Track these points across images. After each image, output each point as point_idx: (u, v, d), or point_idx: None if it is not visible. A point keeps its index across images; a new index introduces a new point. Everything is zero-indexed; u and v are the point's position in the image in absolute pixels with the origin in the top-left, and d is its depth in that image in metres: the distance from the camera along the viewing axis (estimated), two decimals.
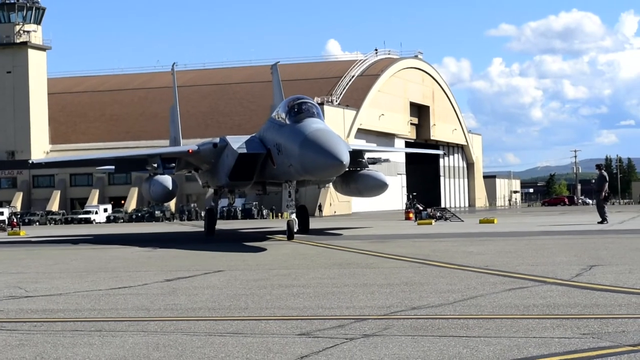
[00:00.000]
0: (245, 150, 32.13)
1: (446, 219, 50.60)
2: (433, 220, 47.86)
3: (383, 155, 43.78)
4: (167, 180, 34.96)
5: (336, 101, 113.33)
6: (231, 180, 33.43)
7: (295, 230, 29.66)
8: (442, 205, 56.53)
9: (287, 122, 28.90)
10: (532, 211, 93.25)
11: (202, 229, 41.89)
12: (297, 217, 31.62)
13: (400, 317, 10.75)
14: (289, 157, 28.44)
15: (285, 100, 30.57)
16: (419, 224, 46.01)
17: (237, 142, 32.79)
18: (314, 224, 54.35)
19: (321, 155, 26.46)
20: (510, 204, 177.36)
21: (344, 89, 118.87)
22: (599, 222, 37.34)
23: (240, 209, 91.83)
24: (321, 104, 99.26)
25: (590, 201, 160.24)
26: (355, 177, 35.93)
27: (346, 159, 26.27)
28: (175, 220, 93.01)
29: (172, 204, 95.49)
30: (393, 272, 16.97)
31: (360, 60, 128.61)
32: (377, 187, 36.74)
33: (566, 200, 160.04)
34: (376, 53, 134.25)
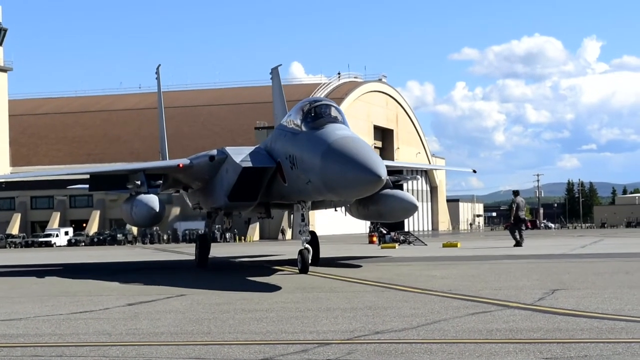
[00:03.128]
0: (250, 164, 25.86)
1: (409, 242, 50.66)
2: (396, 244, 47.92)
3: (408, 175, 36.42)
4: (153, 200, 27.94)
5: None
6: (231, 200, 27.00)
7: (309, 261, 24.00)
8: (406, 229, 56.51)
9: (303, 129, 23.02)
10: (494, 235, 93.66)
11: (179, 254, 41.55)
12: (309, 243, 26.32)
13: (364, 341, 10.72)
14: (307, 171, 22.43)
15: (299, 103, 24.45)
16: (382, 247, 46.03)
17: (240, 155, 26.57)
18: (275, 247, 54.28)
19: (351, 169, 20.55)
20: (472, 228, 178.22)
21: None
22: (514, 246, 41.31)
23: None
24: None
25: (553, 225, 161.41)
26: (377, 198, 28.05)
27: (384, 173, 20.52)
28: (137, 244, 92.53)
29: (134, 227, 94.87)
30: (357, 296, 16.94)
31: (324, 84, 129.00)
32: (404, 210, 30.22)
33: (529, 224, 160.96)
34: (339, 77, 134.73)
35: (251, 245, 70.02)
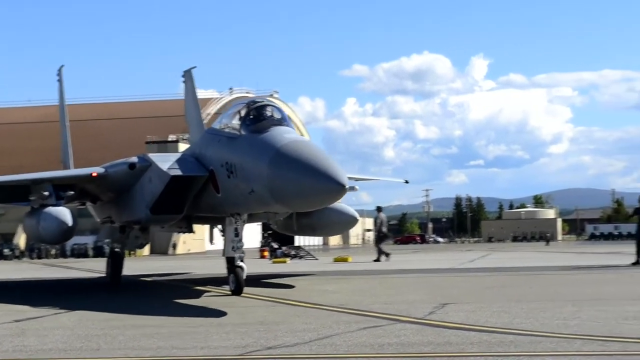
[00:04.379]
0: (179, 172, 22.68)
1: (301, 257, 50.75)
2: (288, 259, 47.98)
3: (357, 184, 34.20)
4: (64, 213, 24.27)
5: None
6: (154, 213, 23.71)
7: (244, 280, 21.43)
8: (297, 244, 56.59)
9: (242, 132, 20.43)
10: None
11: (77, 271, 40.62)
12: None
13: (256, 356, 10.69)
14: (249, 180, 19.62)
15: (235, 105, 22.27)
16: (274, 262, 46.02)
17: (166, 162, 23.36)
18: (164, 262, 53.81)
19: (308, 177, 17.91)
20: (363, 242, 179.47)
21: None
22: (374, 260, 42.57)
23: (91, 247, 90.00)
24: (176, 141, 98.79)
25: (441, 239, 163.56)
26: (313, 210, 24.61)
27: (346, 181, 18.05)
28: (24, 259, 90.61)
29: (21, 241, 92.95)
30: (248, 311, 16.88)
31: (216, 98, 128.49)
32: (345, 223, 28.19)
33: (418, 238, 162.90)
34: (231, 92, 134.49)
35: (143, 260, 69.21)
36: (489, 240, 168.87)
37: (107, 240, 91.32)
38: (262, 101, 21.25)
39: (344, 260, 45.78)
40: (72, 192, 25.91)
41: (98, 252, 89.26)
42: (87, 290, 27.02)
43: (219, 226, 26.99)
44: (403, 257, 51.15)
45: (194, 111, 29.78)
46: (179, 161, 23.26)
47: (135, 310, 17.64)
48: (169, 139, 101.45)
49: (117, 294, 23.47)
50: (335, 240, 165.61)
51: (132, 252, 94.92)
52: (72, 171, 29.43)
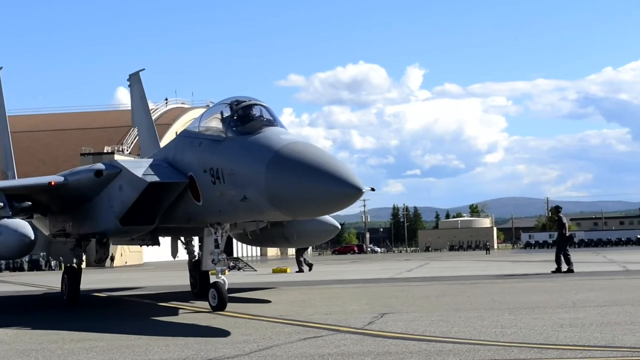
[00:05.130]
0: (156, 178, 20.63)
1: (239, 268, 50.63)
2: (226, 270, 47.82)
3: None
4: (23, 226, 21.68)
5: (127, 150, 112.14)
6: (124, 224, 21.77)
7: (226, 295, 19.74)
8: (235, 255, 56.44)
9: (228, 134, 18.75)
10: (323, 260, 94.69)
11: (11, 285, 39.95)
12: (196, 273, 25.97)
13: None
14: (241, 186, 17.93)
15: (215, 105, 20.51)
16: (212, 274, 45.85)
17: (139, 167, 21.28)
18: (103, 275, 53.30)
19: (317, 181, 16.29)
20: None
21: (135, 138, 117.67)
22: (296, 272, 44.05)
23: (27, 260, 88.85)
24: (112, 153, 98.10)
25: (379, 249, 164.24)
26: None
27: (362, 184, 16.57)
28: None
29: None
30: (185, 323, 16.83)
31: (151, 109, 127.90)
32: (322, 233, 25.94)
33: (355, 248, 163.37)
34: (167, 102, 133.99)
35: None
36: (426, 249, 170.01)
37: (42, 253, 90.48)
38: (248, 100, 19.41)
39: (283, 271, 45.80)
40: (29, 203, 23.66)
41: (34, 266, 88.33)
42: (34, 306, 26.55)
43: (182, 238, 26.84)
44: (341, 268, 51.30)
45: (144, 115, 28.70)
46: (152, 167, 21.24)
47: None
48: (105, 151, 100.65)
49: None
50: (273, 251, 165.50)
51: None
52: (27, 180, 26.45)
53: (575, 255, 67.14)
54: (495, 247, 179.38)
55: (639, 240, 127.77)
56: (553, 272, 33.75)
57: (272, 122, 18.63)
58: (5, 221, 22.05)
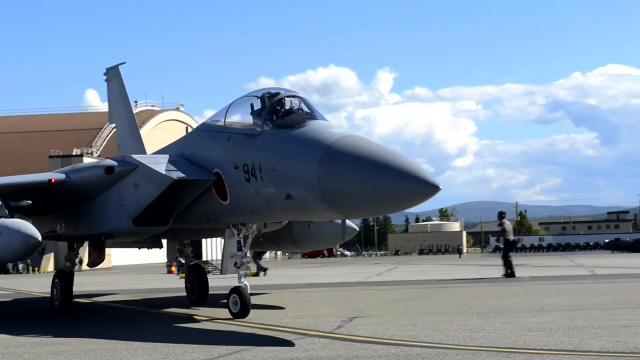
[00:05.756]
0: (182, 175, 19.12)
1: (209, 271, 50.37)
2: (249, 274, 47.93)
3: None
4: (27, 226, 19.43)
5: (96, 153, 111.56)
6: (137, 225, 20.19)
7: (250, 301, 18.44)
8: (204, 258, 56.26)
9: (265, 128, 17.46)
10: (293, 263, 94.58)
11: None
12: (194, 278, 24.64)
13: None
14: (285, 183, 16.65)
15: (244, 97, 19.08)
16: (181, 277, 45.68)
17: (158, 163, 19.73)
18: (87, 279, 52.83)
19: (388, 177, 14.97)
20: (276, 256, 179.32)
21: (104, 141, 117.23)
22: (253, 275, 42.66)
23: None
24: (81, 155, 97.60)
25: (349, 253, 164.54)
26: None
27: (437, 181, 15.11)
28: None
29: None
30: (157, 327, 16.80)
31: None
32: (336, 236, 23.46)
33: (325, 252, 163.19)
34: (136, 105, 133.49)
35: (48, 276, 68.02)
36: (396, 253, 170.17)
37: None
38: (285, 92, 18.17)
39: (252, 275, 45.77)
40: (29, 202, 21.33)
41: (0, 269, 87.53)
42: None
43: (186, 241, 25.72)
44: (311, 271, 51.32)
45: (124, 111, 27.41)
46: (172, 163, 19.70)
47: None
48: (74, 153, 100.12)
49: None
50: None
51: (36, 268, 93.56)
52: (23, 177, 24.47)
53: (544, 259, 67.57)
54: (465, 251, 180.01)
55: (606, 244, 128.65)
56: (504, 275, 34.90)
57: (314, 114, 17.31)
58: (6, 221, 20.00)
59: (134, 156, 20.72)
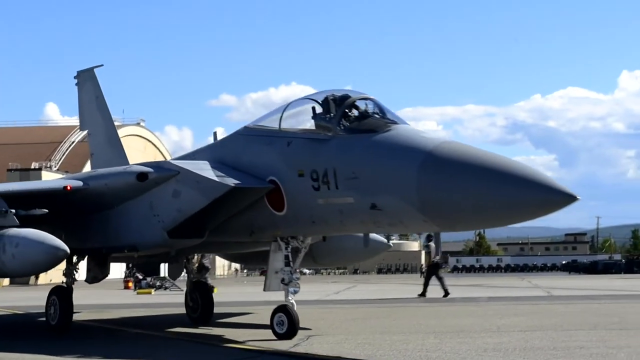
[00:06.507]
0: (238, 182, 17.18)
1: (166, 288, 50.31)
2: (153, 290, 47.53)
3: None
4: (47, 236, 17.37)
5: (55, 167, 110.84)
6: (172, 237, 18.24)
7: (298, 321, 17.01)
8: (162, 275, 55.89)
9: (338, 133, 15.99)
10: (251, 281, 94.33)
11: None
12: (197, 295, 23.07)
13: None
14: (369, 192, 15.17)
15: (306, 97, 17.48)
16: (138, 293, 45.55)
17: (203, 170, 17.69)
18: (31, 293, 52.52)
19: (514, 187, 13.60)
20: (236, 273, 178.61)
21: (63, 155, 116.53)
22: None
23: None
24: (39, 169, 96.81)
25: (307, 271, 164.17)
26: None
27: (572, 190, 13.55)
28: None
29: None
30: (117, 343, 16.69)
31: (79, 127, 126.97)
32: (364, 252, 21.87)
33: None
34: None
35: (6, 291, 67.32)
36: (355, 272, 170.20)
37: None
38: (355, 94, 16.64)
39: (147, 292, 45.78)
40: (45, 210, 18.96)
41: None
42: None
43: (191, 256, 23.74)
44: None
45: (101, 117, 25.80)
46: (216, 169, 17.71)
47: None
48: (32, 167, 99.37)
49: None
50: None
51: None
52: (38, 183, 22.26)
53: (502, 279, 67.82)
54: (424, 270, 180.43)
55: (563, 266, 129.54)
56: (419, 295, 35.51)
57: (395, 119, 15.88)
58: (24, 232, 17.81)
59: (173, 162, 18.99)
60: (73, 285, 21.34)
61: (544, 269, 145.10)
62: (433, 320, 21.75)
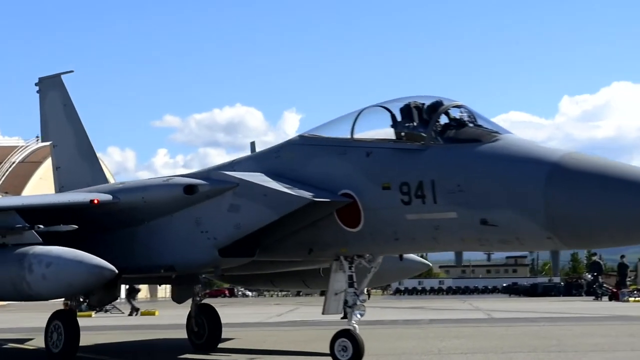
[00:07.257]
0: (313, 194, 15.66)
1: (107, 310, 49.79)
2: (93, 312, 47.02)
3: None
4: (84, 255, 16.04)
5: None
6: (225, 255, 16.69)
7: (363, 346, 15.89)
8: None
9: (435, 142, 14.74)
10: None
11: None
12: (203, 319, 21.27)
13: None
14: (480, 205, 13.94)
15: (381, 104, 16.06)
16: (78, 316, 45.03)
17: (267, 181, 16.19)
18: (15, 316, 51.57)
19: None
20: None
21: (4, 175, 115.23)
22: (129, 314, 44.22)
23: None
24: None
25: (250, 293, 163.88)
26: None
27: None
28: None
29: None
30: None
31: (21, 147, 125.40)
32: (398, 272, 21.23)
33: (226, 291, 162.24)
34: (37, 140, 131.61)
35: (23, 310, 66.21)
36: (298, 294, 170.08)
37: None
38: (447, 101, 15.33)
39: (151, 314, 45.31)
40: (74, 226, 16.91)
41: None
42: None
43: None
44: None
45: (70, 127, 24.08)
46: (278, 181, 16.19)
47: None
48: None
49: None
50: (141, 293, 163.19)
51: None
52: (59, 196, 20.10)
53: (443, 302, 68.15)
54: (365, 292, 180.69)
55: (504, 288, 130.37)
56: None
57: (497, 128, 14.87)
58: (52, 249, 16.28)
59: (227, 173, 16.88)
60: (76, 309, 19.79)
61: (485, 291, 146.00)
62: (374, 342, 21.79)
